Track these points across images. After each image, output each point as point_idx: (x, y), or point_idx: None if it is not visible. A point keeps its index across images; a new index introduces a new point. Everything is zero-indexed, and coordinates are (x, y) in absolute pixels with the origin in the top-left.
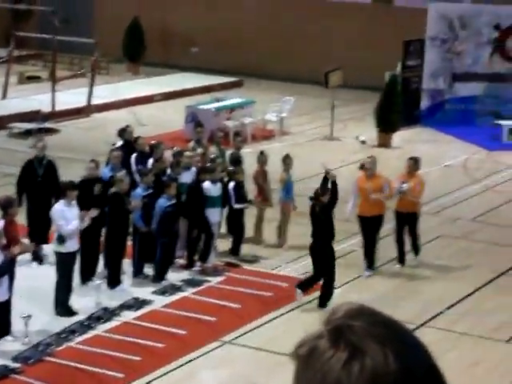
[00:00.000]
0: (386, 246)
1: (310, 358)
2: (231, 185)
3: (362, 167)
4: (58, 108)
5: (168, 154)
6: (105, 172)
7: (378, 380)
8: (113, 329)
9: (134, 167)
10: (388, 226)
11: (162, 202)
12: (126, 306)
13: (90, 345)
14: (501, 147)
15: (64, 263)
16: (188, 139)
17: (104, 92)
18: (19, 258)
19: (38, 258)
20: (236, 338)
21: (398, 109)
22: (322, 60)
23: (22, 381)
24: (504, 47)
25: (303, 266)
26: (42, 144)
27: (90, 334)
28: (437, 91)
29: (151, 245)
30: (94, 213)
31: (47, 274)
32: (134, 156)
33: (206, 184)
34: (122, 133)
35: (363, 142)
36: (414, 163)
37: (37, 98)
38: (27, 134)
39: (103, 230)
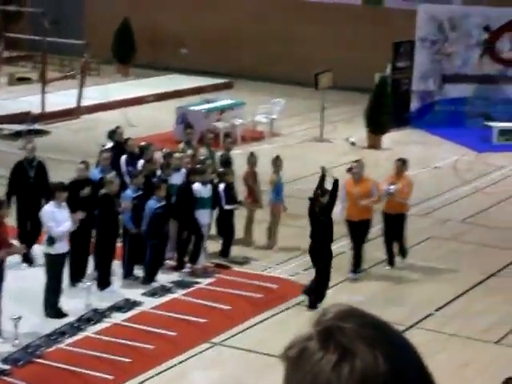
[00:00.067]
0: (375, 248)
1: (300, 359)
2: (221, 186)
3: (350, 170)
4: (48, 109)
5: (158, 156)
6: (95, 173)
7: (368, 382)
8: (103, 330)
9: (123, 169)
10: (376, 228)
11: (152, 204)
12: (115, 308)
13: (80, 346)
14: (491, 149)
15: (53, 265)
16: (178, 140)
17: (94, 93)
18: (9, 259)
19: (28, 259)
20: (226, 339)
21: (387, 110)
22: (312, 61)
23: (12, 382)
24: (494, 49)
25: (293, 268)
26: (31, 145)
27: (80, 335)
28: (427, 93)
29: (141, 246)
30: (80, 215)
31: (37, 276)
32: (123, 157)
33: (196, 185)
34: (112, 134)
35: (353, 144)
36: (402, 164)
37: (27, 100)
38: (17, 135)
39: (93, 232)
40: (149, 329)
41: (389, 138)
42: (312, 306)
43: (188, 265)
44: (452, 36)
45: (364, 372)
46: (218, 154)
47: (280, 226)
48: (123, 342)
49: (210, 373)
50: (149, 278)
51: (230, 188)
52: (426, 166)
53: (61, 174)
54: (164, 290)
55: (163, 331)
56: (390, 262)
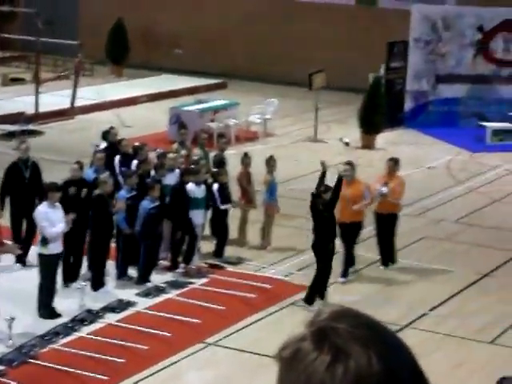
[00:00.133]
0: (368, 249)
1: (294, 360)
2: (215, 186)
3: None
4: (41, 110)
5: (153, 156)
6: (88, 174)
7: (362, 382)
8: (97, 331)
9: (117, 169)
10: (369, 229)
11: (146, 204)
12: (109, 308)
13: (74, 347)
14: (484, 149)
15: (47, 265)
16: (172, 141)
17: (88, 94)
18: (3, 259)
19: (22, 260)
20: (220, 339)
21: (381, 110)
22: (306, 62)
23: (6, 383)
24: (487, 49)
25: (287, 268)
26: (25, 146)
27: (74, 336)
28: (420, 93)
29: (135, 247)
30: (71, 216)
31: (31, 276)
32: (117, 158)
33: (190, 186)
34: (106, 135)
35: (347, 144)
36: (394, 164)
37: (20, 100)
38: (11, 135)
39: (87, 232)
40: (143, 329)
41: (383, 138)
42: (309, 300)
43: (182, 265)
44: (446, 36)
45: (358, 372)
46: (212, 154)
47: (274, 227)
48: (117, 342)
49: (204, 373)
50: (143, 278)
51: (223, 188)
52: (419, 166)
53: (55, 174)
54: (158, 290)
55: (157, 331)
56: (384, 262)
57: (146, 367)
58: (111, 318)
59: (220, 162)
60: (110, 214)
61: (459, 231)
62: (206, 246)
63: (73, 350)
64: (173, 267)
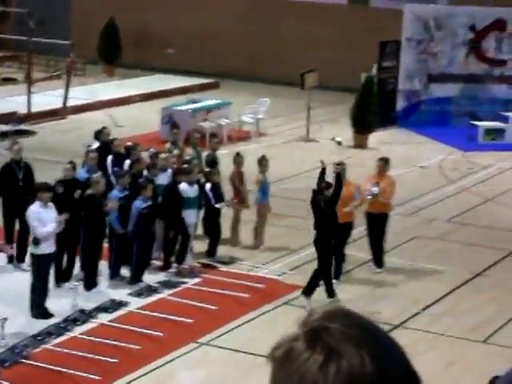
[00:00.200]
0: (360, 248)
1: (287, 360)
2: (208, 186)
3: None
4: (34, 110)
5: (145, 156)
6: (81, 174)
7: (354, 382)
8: (89, 331)
9: (110, 169)
10: (360, 229)
11: (138, 204)
12: (102, 308)
13: (67, 347)
14: (476, 148)
15: (39, 265)
16: (164, 140)
17: (80, 93)
18: None
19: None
20: (213, 339)
21: (373, 110)
22: (298, 61)
23: None
24: (479, 48)
25: (280, 267)
26: (17, 147)
27: (67, 336)
28: (412, 92)
29: (127, 246)
30: (64, 216)
31: (23, 277)
32: (110, 158)
33: (183, 185)
34: (99, 134)
35: (339, 143)
36: (384, 164)
37: (13, 100)
38: (3, 135)
39: (80, 232)
40: (135, 329)
41: (375, 138)
42: (307, 292)
43: (174, 265)
44: (438, 35)
45: (350, 372)
46: (204, 153)
47: (266, 226)
48: (110, 342)
49: (196, 373)
50: (135, 278)
51: (216, 188)
52: (411, 165)
53: (47, 174)
54: (150, 290)
55: (150, 331)
56: (376, 262)
57: (139, 367)
58: (104, 318)
59: (212, 162)
60: (102, 214)
61: (451, 230)
62: (199, 246)
63: (65, 350)
64: (165, 267)
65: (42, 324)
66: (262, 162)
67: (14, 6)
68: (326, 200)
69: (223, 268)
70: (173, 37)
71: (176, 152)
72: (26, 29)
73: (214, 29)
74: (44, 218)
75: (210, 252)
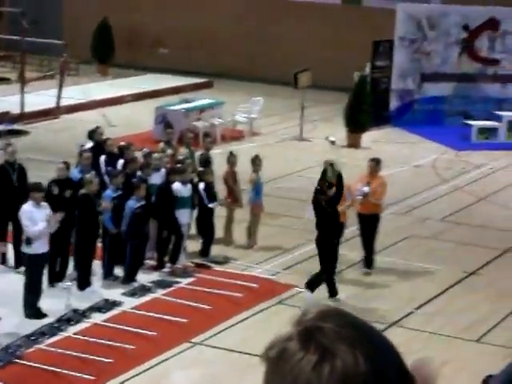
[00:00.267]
0: (353, 248)
1: (280, 360)
2: (201, 185)
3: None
4: (27, 109)
5: (139, 155)
6: (74, 173)
7: (348, 382)
8: (83, 331)
9: (103, 169)
10: (352, 228)
11: (132, 204)
12: (95, 308)
13: (60, 347)
14: (470, 147)
15: (32, 265)
16: (157, 140)
17: (73, 93)
18: None
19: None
20: (207, 339)
21: (367, 109)
22: (292, 61)
23: None
24: (472, 47)
25: (273, 267)
26: (11, 149)
27: (60, 336)
28: (406, 91)
29: (121, 246)
30: (59, 216)
31: (17, 276)
32: (103, 157)
33: (176, 185)
34: (92, 134)
35: (333, 143)
36: (376, 164)
37: (6, 100)
38: None
39: (73, 232)
40: (129, 329)
41: (368, 137)
42: (310, 286)
43: (168, 264)
44: (431, 35)
45: (344, 372)
46: (198, 153)
47: (260, 226)
48: (104, 342)
49: (190, 372)
50: (129, 277)
51: (209, 187)
52: (405, 164)
53: (41, 174)
54: (144, 289)
55: (144, 331)
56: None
57: (133, 367)
58: (97, 318)
59: (206, 162)
60: (95, 214)
61: (445, 230)
62: (192, 246)
63: (59, 350)
64: (159, 267)
65: (35, 324)
66: (256, 162)
67: (7, 5)
68: (328, 200)
69: (217, 267)
70: (166, 36)
71: (169, 152)
72: (19, 28)
73: (207, 29)
74: (36, 218)
75: (204, 251)
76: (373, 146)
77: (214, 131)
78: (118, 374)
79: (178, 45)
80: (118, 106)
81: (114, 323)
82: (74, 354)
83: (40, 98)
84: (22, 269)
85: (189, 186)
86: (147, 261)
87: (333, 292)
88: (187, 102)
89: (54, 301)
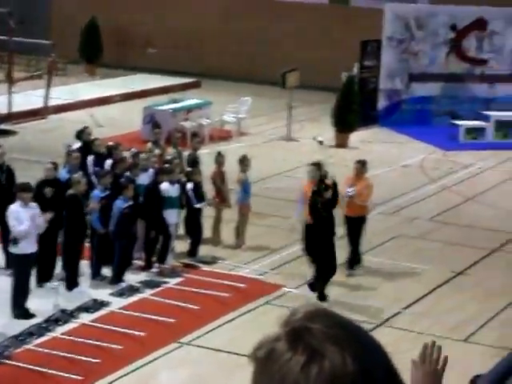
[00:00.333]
0: (340, 249)
1: (268, 360)
2: (189, 185)
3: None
4: (14, 109)
5: (127, 155)
6: (62, 174)
7: (336, 382)
8: (71, 331)
9: (91, 169)
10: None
11: (120, 204)
12: (83, 308)
13: (48, 347)
14: (458, 147)
15: (19, 265)
16: (145, 140)
17: (61, 93)
18: None
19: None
20: (195, 339)
21: (355, 109)
22: (279, 60)
23: None
24: (460, 47)
25: (261, 267)
26: (0, 151)
27: (48, 336)
28: (394, 91)
29: (109, 246)
30: (48, 216)
31: (4, 277)
32: (90, 158)
33: (164, 185)
34: (80, 134)
35: (321, 143)
36: (362, 166)
37: None
38: None
39: (60, 232)
40: (117, 329)
41: (356, 137)
42: (313, 288)
43: (156, 265)
44: (419, 35)
45: (332, 372)
46: (186, 153)
47: (248, 225)
48: (91, 342)
49: (178, 373)
50: (117, 278)
51: (197, 187)
52: (393, 164)
53: (28, 174)
54: (132, 289)
55: (131, 331)
56: (357, 261)
57: (121, 367)
58: (85, 318)
59: (194, 162)
60: (83, 214)
61: (433, 229)
62: (180, 246)
63: (47, 351)
64: (147, 267)
65: (23, 324)
66: (244, 162)
67: None
68: (324, 203)
69: (205, 268)
70: (154, 36)
71: (157, 152)
72: (6, 28)
73: (195, 29)
74: (23, 218)
75: (192, 252)
76: (361, 145)
77: (202, 131)
78: (106, 375)
79: (166, 45)
80: (106, 106)
81: (101, 323)
82: (62, 354)
83: (28, 98)
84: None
85: (177, 186)
86: (135, 261)
87: (322, 295)
88: (175, 101)
89: (42, 301)
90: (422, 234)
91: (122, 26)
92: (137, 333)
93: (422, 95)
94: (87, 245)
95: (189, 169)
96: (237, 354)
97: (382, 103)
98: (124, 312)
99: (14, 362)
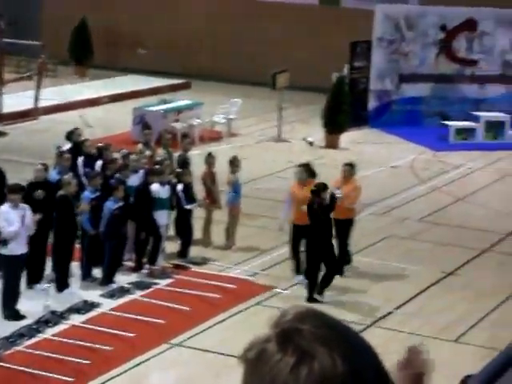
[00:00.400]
0: None
1: (259, 361)
2: (180, 186)
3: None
4: (5, 110)
5: (118, 156)
6: (52, 175)
7: (326, 383)
8: (61, 332)
9: (81, 170)
10: None
11: (110, 205)
12: (74, 310)
13: (39, 349)
14: (448, 148)
15: (8, 266)
16: (135, 141)
17: (51, 94)
18: None
19: None
20: (185, 340)
21: (345, 110)
22: (270, 61)
23: None
24: (450, 48)
25: (252, 268)
26: None
27: (39, 337)
28: (384, 92)
29: (99, 247)
30: (37, 217)
31: None
32: (81, 159)
33: (155, 186)
34: (70, 135)
35: (311, 144)
36: (350, 169)
37: None
38: None
39: (50, 233)
40: (108, 330)
41: (347, 138)
42: (320, 292)
43: (146, 266)
44: (409, 35)
45: (322, 374)
46: (176, 154)
47: (238, 226)
48: (82, 343)
49: (169, 374)
50: (107, 279)
51: (188, 188)
52: (383, 165)
53: (19, 175)
54: (122, 291)
55: (122, 332)
56: (346, 261)
57: (111, 368)
58: (76, 320)
59: (184, 162)
60: (74, 215)
61: (423, 230)
62: (171, 247)
63: (37, 352)
64: (137, 268)
65: (13, 325)
66: (234, 163)
67: None
68: (321, 205)
69: (195, 269)
70: (145, 37)
71: (148, 153)
72: None
73: (185, 29)
74: (12, 219)
75: (182, 253)
76: (351, 146)
77: (193, 132)
78: (97, 376)
79: (157, 46)
80: (96, 107)
81: (92, 325)
82: (53, 355)
83: (18, 99)
84: None
85: (167, 187)
86: (126, 262)
87: (311, 296)
88: (165, 102)
89: (33, 302)
90: (412, 234)
91: (112, 26)
92: (127, 334)
93: (412, 96)
94: (78, 246)
95: (179, 170)
96: (227, 355)
97: (372, 104)
98: (114, 313)
99: (4, 364)
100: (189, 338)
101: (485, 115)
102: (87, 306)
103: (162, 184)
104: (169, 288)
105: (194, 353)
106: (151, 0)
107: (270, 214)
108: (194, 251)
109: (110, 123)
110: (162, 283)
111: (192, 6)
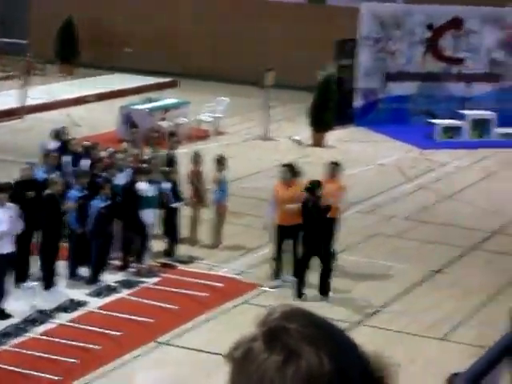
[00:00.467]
0: None
1: (245, 360)
2: (166, 185)
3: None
4: None
5: (105, 155)
6: (39, 174)
7: (313, 382)
8: (48, 331)
9: (67, 169)
10: None
11: (97, 203)
12: (61, 308)
13: (26, 348)
14: (434, 146)
15: None
16: (121, 140)
17: (38, 93)
18: None
19: None
20: (172, 338)
21: (331, 107)
22: (256, 60)
23: None
24: (436, 46)
25: (238, 266)
26: None
27: (26, 336)
28: (370, 90)
29: (86, 246)
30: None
31: None
32: (67, 157)
33: (141, 185)
34: (57, 134)
35: (298, 142)
36: (335, 168)
37: None
38: None
39: (36, 232)
40: (95, 329)
41: (333, 136)
42: (322, 292)
43: (133, 264)
44: (395, 34)
45: (309, 372)
46: (163, 153)
47: (225, 225)
48: (69, 342)
49: (156, 372)
50: (94, 277)
51: (174, 187)
52: (370, 163)
53: (4, 174)
54: (109, 289)
55: (109, 331)
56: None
57: (99, 367)
58: (63, 318)
59: (171, 161)
60: (60, 214)
61: (410, 228)
62: (158, 245)
63: (24, 351)
64: (124, 266)
65: (0, 325)
66: (220, 161)
67: None
68: (315, 204)
69: (182, 267)
70: (132, 36)
71: (135, 151)
72: None
73: (171, 28)
74: None
75: (169, 251)
76: (337, 145)
77: (179, 131)
78: (84, 374)
79: (143, 44)
80: (83, 105)
81: (79, 323)
82: (40, 354)
83: (4, 97)
84: None
85: (154, 185)
86: (112, 261)
87: (300, 293)
88: (151, 101)
89: (19, 301)
90: (398, 232)
91: (99, 25)
92: (114, 333)
93: (398, 94)
94: (64, 245)
95: (166, 168)
96: (215, 353)
97: (358, 102)
98: (101, 312)
99: None
100: (176, 337)
101: (471, 113)
102: (74, 305)
103: (149, 183)
104: (156, 287)
105: (182, 351)
106: None
107: (256, 212)
108: (181, 250)
109: (96, 122)
110: (149, 282)
111: (179, 5)
